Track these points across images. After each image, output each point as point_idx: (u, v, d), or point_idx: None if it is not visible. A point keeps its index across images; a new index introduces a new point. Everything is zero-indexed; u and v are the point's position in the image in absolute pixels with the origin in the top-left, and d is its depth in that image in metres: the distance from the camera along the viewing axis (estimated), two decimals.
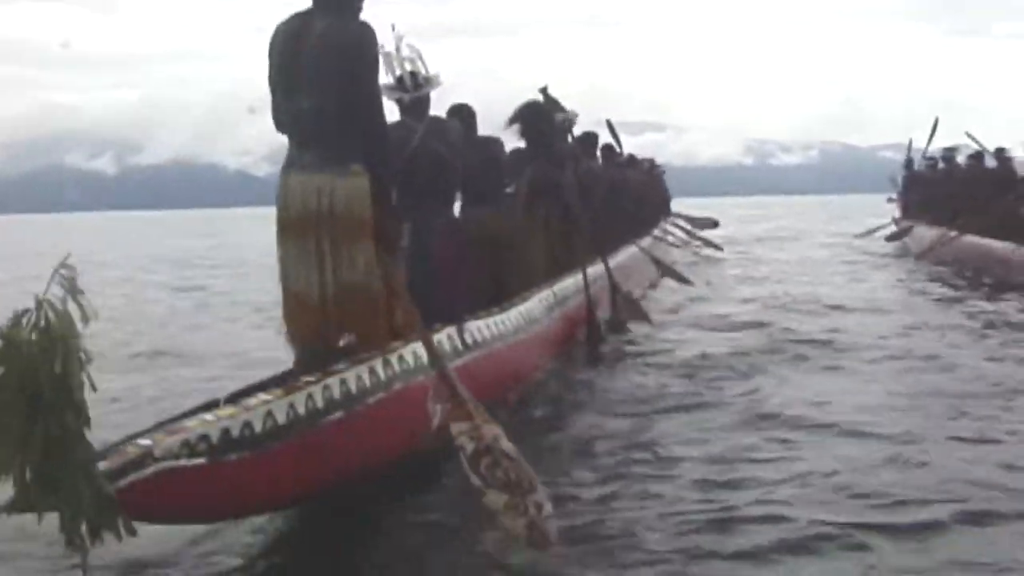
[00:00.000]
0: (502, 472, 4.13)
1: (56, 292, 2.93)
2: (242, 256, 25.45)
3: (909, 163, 24.37)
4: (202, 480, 3.58)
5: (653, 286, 13.64)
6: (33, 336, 2.91)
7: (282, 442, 3.86)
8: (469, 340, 5.79)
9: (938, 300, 12.18)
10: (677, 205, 25.30)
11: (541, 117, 8.70)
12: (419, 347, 4.87)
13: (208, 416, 3.81)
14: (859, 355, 7.99)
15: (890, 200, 25.69)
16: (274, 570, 4.04)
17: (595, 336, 8.59)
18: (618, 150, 16.11)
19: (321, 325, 4.62)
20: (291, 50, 4.71)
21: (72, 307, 2.96)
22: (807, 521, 4.11)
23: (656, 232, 18.68)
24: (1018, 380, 6.92)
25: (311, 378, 4.22)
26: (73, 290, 2.94)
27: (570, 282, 8.61)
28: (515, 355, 6.46)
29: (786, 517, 4.17)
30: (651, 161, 22.17)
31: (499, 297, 6.85)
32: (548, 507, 4.05)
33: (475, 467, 4.16)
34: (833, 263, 18.81)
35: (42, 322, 2.92)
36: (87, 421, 3.02)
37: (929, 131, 22.81)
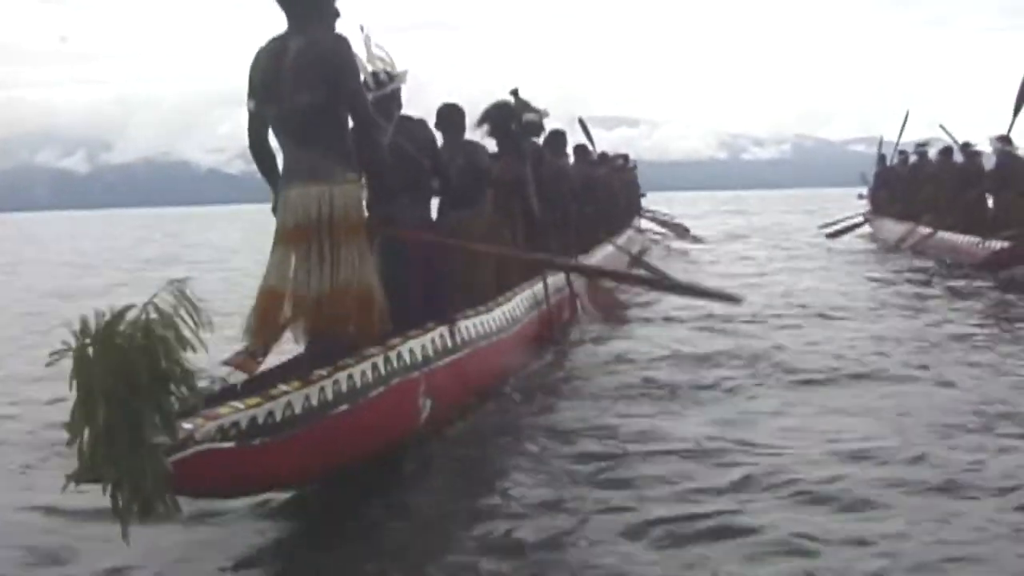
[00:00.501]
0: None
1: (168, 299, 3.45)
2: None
3: (881, 159, 24.58)
4: (231, 461, 4.02)
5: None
6: (136, 333, 3.37)
7: (298, 429, 4.32)
8: (459, 339, 6.09)
9: (901, 296, 12.30)
10: (650, 200, 25.36)
11: (509, 117, 8.82)
12: (414, 344, 5.42)
13: (238, 404, 4.22)
14: (820, 361, 7.84)
15: (860, 196, 25.81)
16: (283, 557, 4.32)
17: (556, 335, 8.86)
18: (591, 148, 16.24)
19: (318, 321, 4.87)
20: (273, 68, 4.94)
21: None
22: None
23: (631, 229, 18.89)
24: (978, 390, 6.80)
25: (323, 372, 4.66)
26: (183, 300, 3.47)
27: (548, 281, 8.74)
28: (499, 353, 6.82)
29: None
30: (624, 157, 22.25)
31: (471, 296, 7.03)
32: None
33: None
34: (802, 259, 18.97)
35: (143, 318, 3.39)
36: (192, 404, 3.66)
37: (900, 124, 23.04)
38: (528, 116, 9.19)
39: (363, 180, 5.21)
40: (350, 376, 4.76)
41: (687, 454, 5.32)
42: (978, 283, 12.93)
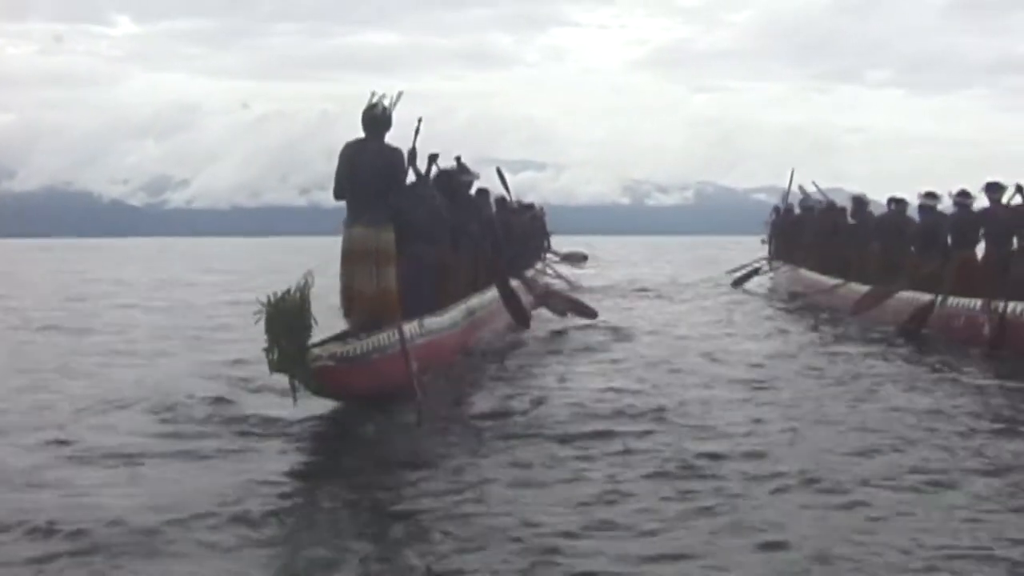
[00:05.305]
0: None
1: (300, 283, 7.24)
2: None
3: (777, 210, 27.15)
4: (332, 373, 7.47)
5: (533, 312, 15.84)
6: (295, 300, 7.17)
7: (357, 363, 7.75)
8: (427, 329, 9.57)
9: (781, 329, 15.16)
10: (556, 242, 27.36)
11: (455, 180, 12.30)
12: (406, 328, 8.61)
13: (336, 344, 7.82)
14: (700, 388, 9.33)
15: (763, 242, 28.30)
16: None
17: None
18: (508, 198, 18.27)
19: (373, 308, 8.50)
20: (355, 161, 8.53)
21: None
22: None
23: (537, 267, 21.05)
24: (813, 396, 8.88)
25: (368, 335, 8.16)
26: (308, 284, 7.18)
27: (475, 300, 12.41)
28: (448, 342, 10.47)
29: None
30: (532, 204, 24.61)
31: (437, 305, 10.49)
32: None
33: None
34: (697, 298, 21.53)
35: (298, 293, 7.13)
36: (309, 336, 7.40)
37: (788, 181, 25.73)
38: (465, 178, 12.69)
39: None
40: (380, 340, 8.21)
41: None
42: (834, 317, 16.03)
